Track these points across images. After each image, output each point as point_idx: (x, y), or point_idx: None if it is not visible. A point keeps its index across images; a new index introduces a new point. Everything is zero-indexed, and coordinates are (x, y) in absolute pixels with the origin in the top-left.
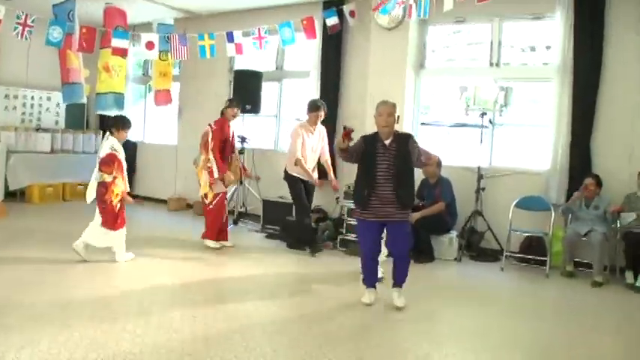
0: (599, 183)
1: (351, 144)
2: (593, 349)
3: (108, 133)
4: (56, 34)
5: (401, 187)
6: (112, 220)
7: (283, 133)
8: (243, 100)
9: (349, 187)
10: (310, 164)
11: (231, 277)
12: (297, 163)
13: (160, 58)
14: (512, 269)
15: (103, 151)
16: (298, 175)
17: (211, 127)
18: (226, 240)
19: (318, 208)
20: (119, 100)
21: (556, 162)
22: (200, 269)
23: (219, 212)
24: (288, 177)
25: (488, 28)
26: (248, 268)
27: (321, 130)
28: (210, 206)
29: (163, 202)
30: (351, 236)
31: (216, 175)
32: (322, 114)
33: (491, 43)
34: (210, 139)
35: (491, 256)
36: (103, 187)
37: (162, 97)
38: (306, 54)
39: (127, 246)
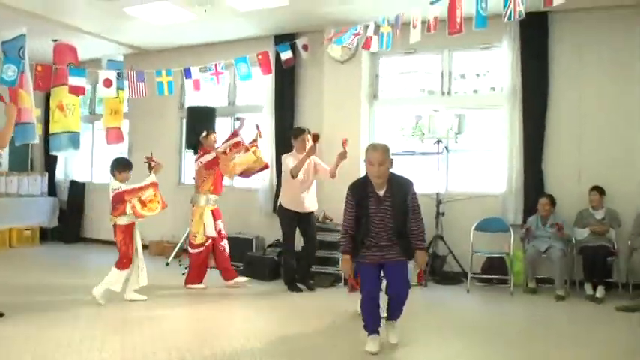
0: (552, 202)
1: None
2: None
3: (111, 177)
4: (10, 72)
5: (402, 238)
6: (123, 260)
7: None
8: (197, 137)
9: (317, 219)
10: (302, 195)
11: (224, 333)
12: (293, 172)
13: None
14: (477, 290)
15: (110, 195)
16: (293, 209)
17: (201, 162)
18: (234, 277)
19: (278, 242)
20: (74, 139)
21: (511, 184)
22: (188, 327)
23: (204, 257)
24: (281, 210)
25: (439, 59)
26: (230, 320)
27: (315, 159)
28: (197, 250)
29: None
30: (317, 268)
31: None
32: (309, 138)
33: (442, 73)
34: (209, 164)
35: (454, 279)
36: (114, 230)
37: (114, 136)
38: (258, 88)
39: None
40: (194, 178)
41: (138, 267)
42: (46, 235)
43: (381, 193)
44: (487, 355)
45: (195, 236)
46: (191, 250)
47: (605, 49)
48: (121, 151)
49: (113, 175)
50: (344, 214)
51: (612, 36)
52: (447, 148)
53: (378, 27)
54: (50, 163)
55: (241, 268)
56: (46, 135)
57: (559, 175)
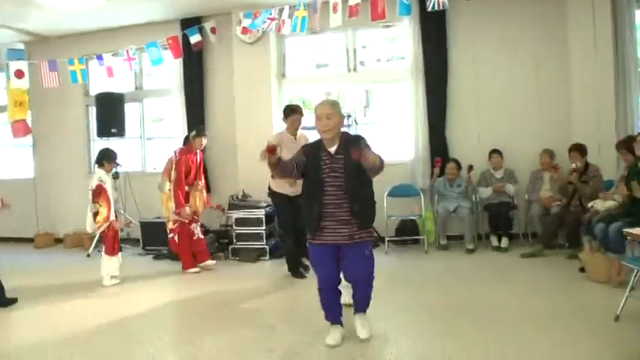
0: (458, 166)
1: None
2: (491, 301)
3: (96, 165)
4: None
5: (357, 202)
6: (110, 246)
7: (149, 154)
8: (107, 124)
9: (233, 197)
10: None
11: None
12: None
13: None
14: (394, 252)
15: (93, 183)
16: (283, 192)
17: (175, 156)
18: (208, 259)
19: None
20: None
21: (418, 151)
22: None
23: (184, 241)
24: (271, 194)
25: (343, 37)
26: (169, 301)
27: (306, 137)
28: (175, 238)
29: (27, 240)
30: (241, 244)
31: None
32: (301, 118)
33: (347, 50)
34: (173, 170)
35: None
36: (94, 218)
37: (21, 128)
38: (164, 72)
39: (35, 298)
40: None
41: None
42: None
43: (333, 149)
44: (414, 302)
45: (169, 221)
46: (169, 236)
47: (498, 25)
48: (24, 143)
49: (101, 164)
50: None
51: (504, 13)
52: (356, 121)
53: (291, 10)
54: None
55: (165, 251)
56: None
57: (461, 140)
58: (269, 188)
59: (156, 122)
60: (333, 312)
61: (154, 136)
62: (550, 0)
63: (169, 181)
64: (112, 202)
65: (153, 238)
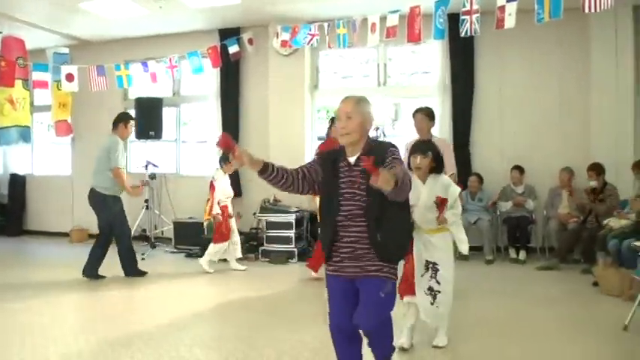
0: (480, 179)
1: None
2: (507, 311)
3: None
4: None
5: (380, 230)
6: (217, 234)
7: (183, 157)
8: (145, 127)
9: (265, 202)
10: None
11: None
12: None
13: (57, 88)
14: None
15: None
16: None
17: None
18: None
19: None
20: (25, 133)
21: None
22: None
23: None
24: None
25: (374, 52)
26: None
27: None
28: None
29: (62, 234)
30: (271, 247)
31: None
32: None
33: (378, 65)
34: None
35: None
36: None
37: (63, 128)
38: (201, 79)
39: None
40: None
41: (234, 242)
42: None
43: (353, 159)
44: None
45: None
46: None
47: (523, 46)
48: (63, 141)
49: (221, 165)
50: None
51: (529, 34)
52: (384, 133)
53: (330, 27)
54: None
55: (196, 250)
56: None
57: (484, 155)
58: None
59: (182, 126)
60: None
61: (187, 140)
62: (574, 25)
63: None
64: (215, 197)
65: (185, 237)
